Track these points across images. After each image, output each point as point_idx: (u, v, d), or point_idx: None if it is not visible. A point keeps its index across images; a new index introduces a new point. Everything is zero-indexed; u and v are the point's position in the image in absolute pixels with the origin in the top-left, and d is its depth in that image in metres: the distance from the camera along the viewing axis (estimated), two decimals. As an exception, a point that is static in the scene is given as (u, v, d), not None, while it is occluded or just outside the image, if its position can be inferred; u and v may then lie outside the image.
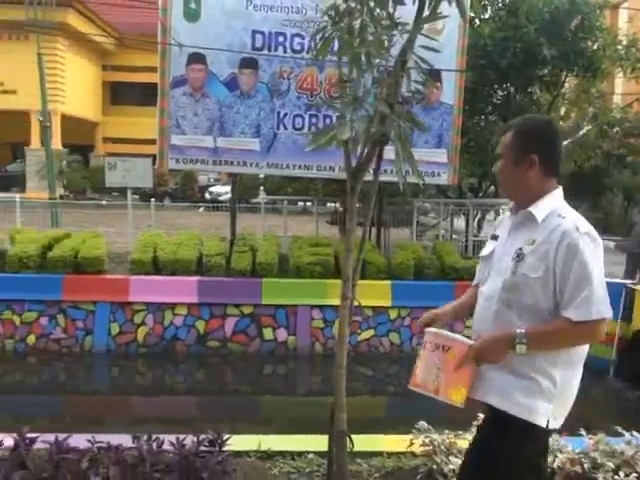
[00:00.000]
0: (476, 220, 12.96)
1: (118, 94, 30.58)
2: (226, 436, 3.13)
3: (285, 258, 9.83)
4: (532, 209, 2.08)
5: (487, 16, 11.57)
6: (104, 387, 8.66)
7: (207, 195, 23.73)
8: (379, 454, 3.51)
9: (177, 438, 3.13)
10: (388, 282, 9.28)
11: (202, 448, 3.09)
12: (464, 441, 3.12)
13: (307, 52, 9.44)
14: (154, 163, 11.02)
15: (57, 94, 22.78)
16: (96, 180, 22.31)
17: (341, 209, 12.07)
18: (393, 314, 9.29)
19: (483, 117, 12.56)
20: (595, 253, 1.98)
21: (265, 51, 9.56)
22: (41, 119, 17.13)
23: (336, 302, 4.11)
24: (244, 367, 8.91)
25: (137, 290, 8.92)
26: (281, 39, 9.56)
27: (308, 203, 20.44)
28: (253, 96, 9.63)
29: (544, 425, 2.02)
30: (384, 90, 2.89)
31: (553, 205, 2.08)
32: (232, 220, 10.36)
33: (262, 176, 20.18)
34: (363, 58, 2.90)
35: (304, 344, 9.09)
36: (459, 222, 13.70)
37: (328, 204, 18.71)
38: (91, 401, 7.96)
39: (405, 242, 11.14)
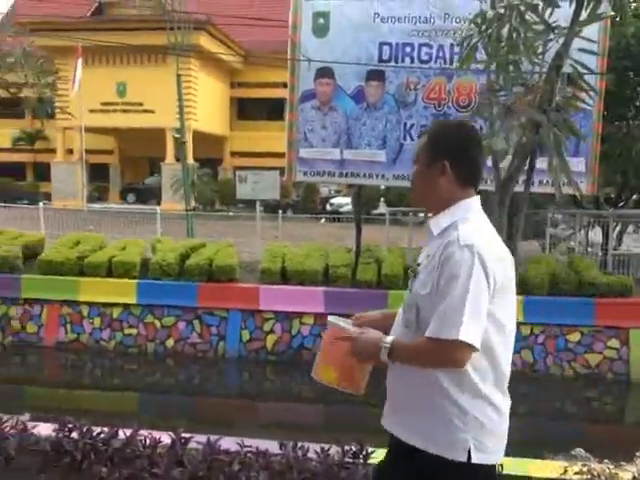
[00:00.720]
0: (615, 232, 12.08)
1: (244, 109, 32.01)
2: (370, 449, 3.13)
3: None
4: (431, 221, 1.92)
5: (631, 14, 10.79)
6: (235, 391, 9.01)
7: (328, 206, 24.12)
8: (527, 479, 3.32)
9: (322, 448, 3.17)
10: (520, 297, 8.88)
11: (347, 459, 3.11)
12: (627, 473, 2.88)
13: (435, 62, 9.34)
14: (281, 175, 11.40)
15: (190, 111, 24.24)
16: (224, 192, 23.48)
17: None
18: (525, 331, 8.87)
19: (625, 122, 11.72)
20: (472, 269, 1.71)
21: (392, 62, 9.57)
22: (177, 136, 18.27)
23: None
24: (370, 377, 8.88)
25: (266, 299, 9.22)
26: (408, 50, 9.53)
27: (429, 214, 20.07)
28: (380, 108, 9.67)
29: (464, 460, 1.76)
30: (537, 97, 2.77)
31: (456, 216, 1.86)
32: (357, 232, 10.42)
33: (383, 187, 20.18)
34: (511, 66, 2.81)
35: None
36: (594, 234, 12.84)
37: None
38: (224, 404, 8.31)
39: (537, 255, 10.63)
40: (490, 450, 1.80)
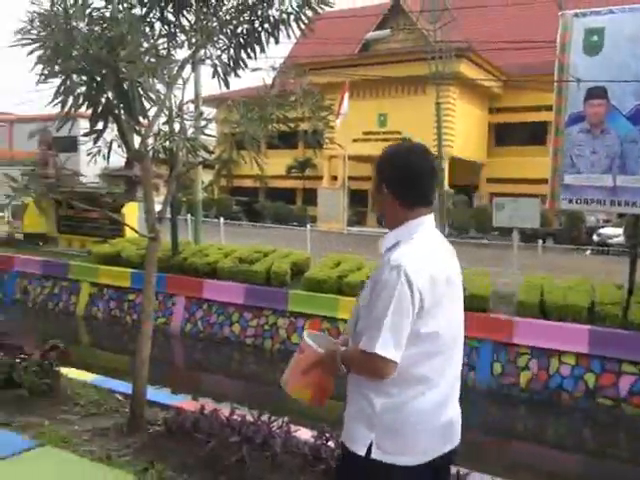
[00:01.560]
0: None
1: (503, 135, 31.17)
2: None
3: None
4: (380, 240, 2.07)
5: None
6: (483, 426, 8.65)
7: (595, 237, 22.04)
8: None
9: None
10: None
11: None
12: None
13: None
14: (542, 203, 10.77)
15: (447, 139, 24.42)
16: (479, 219, 23.05)
17: None
18: None
19: None
20: (395, 289, 1.87)
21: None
22: (434, 162, 18.52)
23: None
24: (637, 433, 7.82)
25: (522, 332, 8.74)
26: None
27: None
28: (663, 128, 8.57)
29: (362, 454, 1.97)
30: None
31: (400, 237, 2.00)
32: (631, 267, 9.29)
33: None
34: None
35: None
36: None
37: None
38: (472, 437, 8.04)
39: None
40: (391, 451, 1.96)
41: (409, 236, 1.98)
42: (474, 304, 9.16)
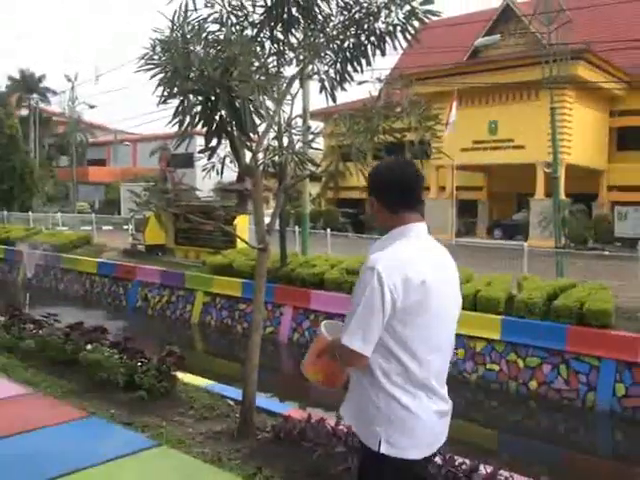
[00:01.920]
0: None
1: (626, 139, 29.12)
2: None
3: None
4: (372, 245, 2.28)
5: None
6: (605, 450, 8.12)
7: None
8: None
9: None
10: None
11: None
12: None
13: None
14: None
15: (563, 145, 23.26)
16: (599, 229, 21.71)
17: None
18: None
19: None
20: (367, 287, 2.05)
21: None
22: (548, 170, 17.72)
23: None
24: None
25: (648, 351, 8.10)
26: None
27: None
28: None
29: (375, 449, 2.12)
30: None
31: (387, 242, 2.19)
32: None
33: None
34: None
35: None
36: None
37: None
38: (590, 462, 7.56)
39: None
40: (400, 445, 2.12)
41: (392, 241, 2.18)
42: (593, 319, 8.63)
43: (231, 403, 5.13)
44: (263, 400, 5.24)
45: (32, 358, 6.23)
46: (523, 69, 23.72)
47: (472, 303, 9.70)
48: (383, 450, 2.11)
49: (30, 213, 25.47)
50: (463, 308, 9.21)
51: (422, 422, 2.15)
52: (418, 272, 2.09)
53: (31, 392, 5.30)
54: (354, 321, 2.08)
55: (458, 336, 9.65)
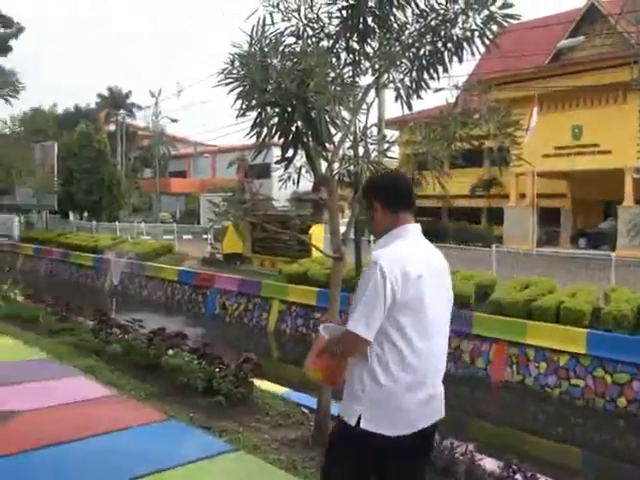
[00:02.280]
0: None
1: None
2: None
3: None
4: (374, 244, 2.61)
5: None
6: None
7: None
8: None
9: None
10: None
11: None
12: None
13: None
14: None
15: (653, 149, 22.05)
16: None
17: None
18: None
19: None
20: (374, 279, 2.30)
21: None
22: (637, 176, 16.83)
23: None
24: None
25: None
26: None
27: None
28: None
29: (352, 424, 2.37)
30: None
31: (385, 242, 2.48)
32: None
33: None
34: None
35: None
36: None
37: None
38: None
39: None
40: (378, 423, 2.34)
41: (391, 241, 2.45)
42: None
43: (305, 411, 5.15)
44: (338, 409, 5.24)
45: (117, 361, 6.51)
46: (610, 71, 22.67)
47: (554, 315, 9.33)
48: (363, 426, 2.34)
49: (117, 223, 26.74)
50: (545, 320, 9.02)
51: (406, 407, 2.36)
52: (415, 267, 2.35)
53: (116, 394, 5.54)
54: (358, 309, 2.32)
55: (539, 349, 9.34)
